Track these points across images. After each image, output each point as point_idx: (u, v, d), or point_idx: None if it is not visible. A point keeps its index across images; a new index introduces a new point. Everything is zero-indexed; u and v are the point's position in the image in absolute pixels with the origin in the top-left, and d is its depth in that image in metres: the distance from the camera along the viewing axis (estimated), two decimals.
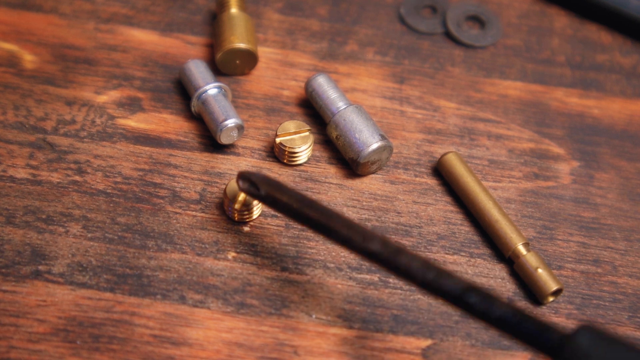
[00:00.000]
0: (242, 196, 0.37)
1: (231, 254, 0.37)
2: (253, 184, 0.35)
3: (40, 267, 0.36)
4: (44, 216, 0.38)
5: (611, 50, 0.49)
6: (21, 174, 0.39)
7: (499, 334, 0.28)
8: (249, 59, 0.44)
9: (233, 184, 0.38)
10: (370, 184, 0.41)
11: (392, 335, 0.36)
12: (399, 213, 0.40)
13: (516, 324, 0.27)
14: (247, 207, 0.37)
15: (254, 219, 0.38)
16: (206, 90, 0.41)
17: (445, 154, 0.41)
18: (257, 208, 0.38)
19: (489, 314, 0.28)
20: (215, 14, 0.48)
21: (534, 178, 0.42)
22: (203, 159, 0.41)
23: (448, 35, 0.49)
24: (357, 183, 0.41)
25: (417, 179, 0.41)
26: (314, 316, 0.36)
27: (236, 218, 0.38)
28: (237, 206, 0.37)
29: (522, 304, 0.37)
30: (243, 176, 0.35)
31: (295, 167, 0.41)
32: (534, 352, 0.27)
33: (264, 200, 0.35)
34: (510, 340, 0.28)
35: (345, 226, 0.31)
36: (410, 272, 0.30)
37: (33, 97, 0.42)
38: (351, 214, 0.39)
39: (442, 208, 0.40)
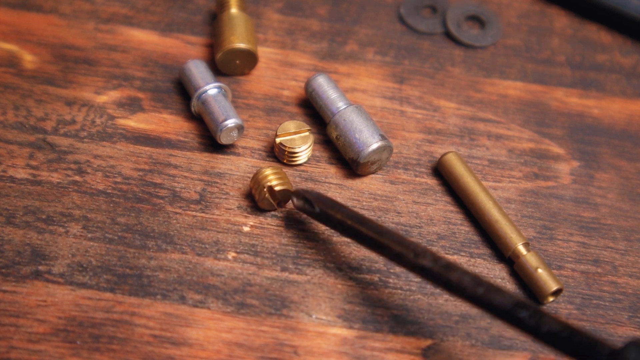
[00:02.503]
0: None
1: (231, 254, 0.37)
2: (308, 201, 0.36)
3: (40, 267, 0.36)
4: (44, 216, 0.38)
5: (611, 50, 0.49)
6: (21, 174, 0.39)
7: (551, 349, 0.28)
8: (249, 59, 0.44)
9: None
10: (370, 184, 0.41)
11: (392, 335, 0.36)
12: (399, 213, 0.40)
13: (566, 338, 0.28)
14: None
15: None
16: (206, 91, 0.41)
17: (445, 154, 0.41)
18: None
19: (539, 329, 0.28)
20: (215, 14, 0.48)
21: (534, 178, 0.42)
22: (203, 159, 0.41)
23: (448, 35, 0.49)
24: (357, 183, 0.41)
25: (417, 179, 0.41)
26: (314, 316, 0.36)
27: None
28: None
29: None
30: (298, 194, 0.37)
31: (295, 167, 0.41)
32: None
33: (318, 217, 0.36)
34: (559, 352, 0.28)
35: (396, 242, 0.33)
36: (462, 288, 0.30)
37: (33, 97, 0.42)
38: None
39: (442, 208, 0.40)
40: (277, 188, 0.37)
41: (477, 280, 0.30)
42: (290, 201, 0.38)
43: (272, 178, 0.38)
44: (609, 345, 0.27)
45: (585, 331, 0.28)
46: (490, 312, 0.30)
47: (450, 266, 0.31)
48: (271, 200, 0.38)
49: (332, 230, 0.38)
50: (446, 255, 0.38)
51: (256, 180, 0.38)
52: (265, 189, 0.37)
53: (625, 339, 0.36)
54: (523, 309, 0.29)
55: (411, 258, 0.32)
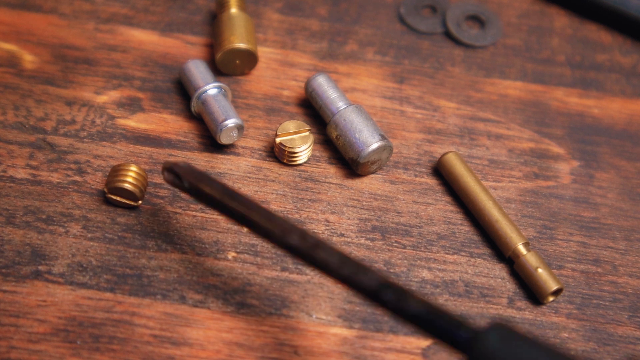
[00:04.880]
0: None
1: (231, 254, 0.37)
2: (177, 175, 0.35)
3: (40, 267, 0.36)
4: (44, 216, 0.38)
5: (611, 50, 0.49)
6: (21, 174, 0.39)
7: (416, 329, 0.28)
8: (249, 59, 0.44)
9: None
10: (370, 183, 0.41)
11: (392, 335, 0.36)
12: (399, 213, 0.40)
13: (429, 320, 0.27)
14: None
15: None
16: (206, 90, 0.41)
17: (445, 153, 0.41)
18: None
19: (403, 311, 0.28)
20: (215, 14, 0.48)
21: (534, 178, 0.42)
22: (203, 159, 0.41)
23: (448, 35, 0.49)
24: (357, 183, 0.41)
25: (417, 178, 0.41)
26: (314, 316, 0.36)
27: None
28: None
29: (522, 303, 0.37)
30: (166, 167, 0.36)
31: (295, 167, 0.41)
32: (449, 348, 0.27)
33: (187, 191, 0.35)
34: (424, 333, 0.28)
35: (265, 219, 0.32)
36: (328, 267, 0.30)
37: (33, 97, 0.42)
38: (351, 213, 0.39)
39: (442, 208, 0.40)
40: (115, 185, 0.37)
41: (344, 260, 0.30)
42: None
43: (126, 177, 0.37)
44: (472, 327, 0.27)
45: (448, 312, 0.28)
46: (357, 292, 0.29)
47: (318, 244, 0.30)
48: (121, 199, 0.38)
49: (331, 231, 0.38)
50: (446, 255, 0.38)
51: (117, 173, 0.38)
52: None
53: (623, 338, 0.36)
54: (388, 291, 0.28)
55: (279, 235, 0.31)
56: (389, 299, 0.28)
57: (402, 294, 0.28)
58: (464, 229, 0.39)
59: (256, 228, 0.32)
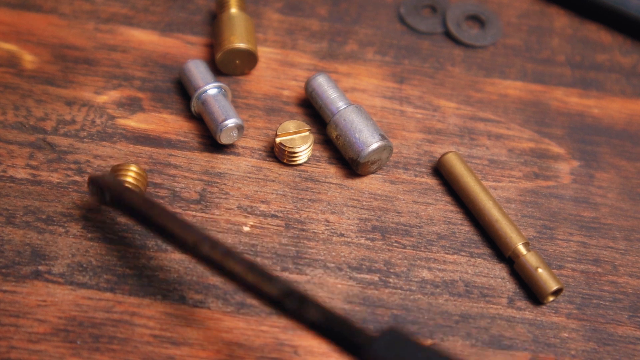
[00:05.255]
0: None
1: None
2: (100, 188, 0.36)
3: (40, 267, 0.36)
4: (44, 216, 0.38)
5: (611, 50, 0.49)
6: (21, 174, 0.39)
7: (317, 336, 0.29)
8: (249, 59, 0.44)
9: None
10: (370, 183, 0.41)
11: None
12: (399, 213, 0.40)
13: (328, 328, 0.29)
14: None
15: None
16: (206, 90, 0.41)
17: (445, 153, 0.41)
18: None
19: (303, 319, 0.29)
20: (215, 14, 0.48)
21: (534, 178, 0.42)
22: (203, 159, 0.41)
23: (448, 35, 0.49)
24: (357, 183, 0.41)
25: (417, 178, 0.41)
26: None
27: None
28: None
29: (522, 303, 0.37)
30: (91, 181, 0.36)
31: (295, 167, 0.41)
32: (346, 355, 0.29)
33: (109, 204, 0.36)
34: (324, 340, 0.29)
35: (180, 228, 0.32)
36: (234, 275, 0.31)
37: (33, 97, 0.42)
38: (351, 213, 0.39)
39: (442, 208, 0.40)
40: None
41: (251, 267, 0.30)
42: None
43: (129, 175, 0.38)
44: (366, 333, 0.28)
45: (345, 320, 0.29)
46: (263, 300, 0.30)
47: (227, 254, 0.31)
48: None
49: (331, 231, 0.39)
50: (446, 255, 0.38)
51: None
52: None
53: (623, 338, 0.36)
54: (290, 299, 0.29)
55: (191, 245, 0.32)
56: (290, 307, 0.29)
57: (302, 302, 0.29)
58: (464, 229, 0.39)
59: (171, 238, 0.33)
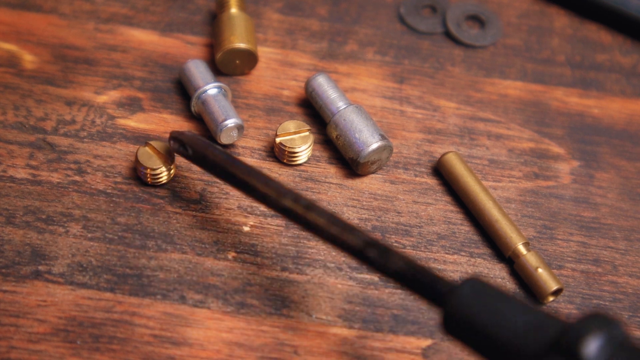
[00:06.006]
0: (154, 160, 0.39)
1: (231, 254, 0.37)
2: (182, 143, 0.37)
3: (40, 267, 0.36)
4: (44, 216, 0.38)
5: (611, 50, 0.49)
6: (21, 174, 0.39)
7: (399, 286, 0.30)
8: (249, 59, 0.44)
9: (142, 150, 0.39)
10: (370, 183, 0.41)
11: (392, 335, 0.36)
12: (399, 213, 0.40)
13: (410, 276, 0.29)
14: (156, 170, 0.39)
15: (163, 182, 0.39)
16: (206, 90, 0.41)
17: (445, 153, 0.41)
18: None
19: (386, 268, 0.30)
20: (215, 14, 0.48)
21: (534, 178, 0.42)
22: None
23: (448, 35, 0.49)
24: (357, 183, 0.41)
25: (417, 178, 0.41)
26: (314, 316, 0.36)
27: (149, 181, 0.39)
28: (148, 170, 0.38)
29: None
30: (173, 135, 0.38)
31: (295, 167, 0.41)
32: (430, 303, 0.29)
33: (191, 159, 0.37)
34: (407, 289, 0.30)
35: (262, 183, 0.33)
36: (317, 227, 0.31)
37: (33, 97, 0.42)
38: (351, 213, 0.39)
39: (442, 208, 0.40)
40: (155, 145, 0.39)
41: (333, 219, 0.31)
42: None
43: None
44: (449, 282, 0.28)
45: (428, 269, 0.29)
46: (345, 252, 0.31)
47: (310, 207, 0.32)
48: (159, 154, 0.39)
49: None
50: (446, 255, 0.38)
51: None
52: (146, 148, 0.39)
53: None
54: (372, 248, 0.30)
55: (274, 199, 0.33)
56: (373, 257, 0.30)
57: (385, 252, 0.30)
58: (464, 229, 0.40)
59: (254, 192, 0.34)
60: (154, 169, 0.38)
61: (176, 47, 0.46)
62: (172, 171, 0.39)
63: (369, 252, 0.30)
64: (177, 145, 0.37)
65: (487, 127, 0.44)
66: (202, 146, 0.36)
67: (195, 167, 0.40)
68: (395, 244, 0.38)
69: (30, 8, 0.47)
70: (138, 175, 0.39)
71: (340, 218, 0.31)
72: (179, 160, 0.40)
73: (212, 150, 0.36)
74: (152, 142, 0.39)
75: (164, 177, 0.39)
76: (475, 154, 0.43)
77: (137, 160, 0.38)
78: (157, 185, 0.39)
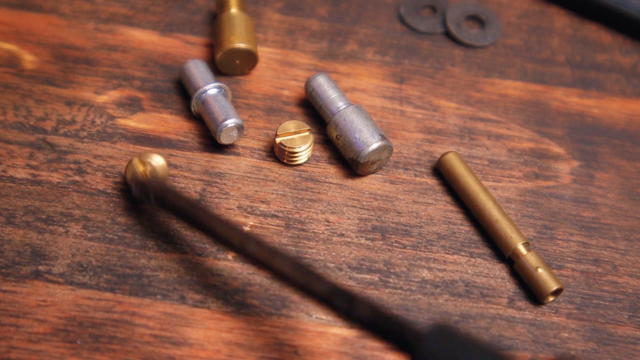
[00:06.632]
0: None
1: (231, 254, 0.37)
2: (144, 189, 0.36)
3: (40, 267, 0.36)
4: (44, 216, 0.38)
5: (611, 50, 0.49)
6: (21, 174, 0.39)
7: (366, 334, 0.30)
8: (249, 59, 0.44)
9: (131, 167, 0.38)
10: (370, 183, 0.41)
11: None
12: (399, 213, 0.40)
13: (377, 325, 0.29)
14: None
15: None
16: (206, 90, 0.41)
17: (445, 153, 0.41)
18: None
19: (353, 316, 0.29)
20: (215, 14, 0.48)
21: (534, 178, 0.42)
22: (203, 159, 0.41)
23: (448, 35, 0.49)
24: (357, 183, 0.41)
25: (417, 178, 0.41)
26: (314, 316, 0.36)
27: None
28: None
29: (522, 303, 0.37)
30: (135, 182, 0.37)
31: (295, 167, 0.41)
32: (395, 350, 0.29)
33: (154, 205, 0.36)
34: (373, 337, 0.30)
35: (225, 228, 0.33)
36: (283, 275, 0.31)
37: (33, 97, 0.42)
38: (351, 213, 0.39)
39: (442, 208, 0.40)
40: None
41: (298, 267, 0.31)
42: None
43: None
44: (416, 329, 0.28)
45: (395, 316, 0.29)
46: (311, 297, 0.30)
47: (274, 253, 0.31)
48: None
49: (331, 231, 0.39)
50: (446, 255, 0.38)
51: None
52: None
53: (623, 338, 0.36)
54: (339, 296, 0.30)
55: (237, 244, 0.32)
56: (340, 305, 0.30)
57: (351, 300, 0.29)
58: (464, 229, 0.39)
59: (216, 237, 0.33)
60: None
61: (176, 47, 0.46)
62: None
63: (335, 299, 0.30)
64: (138, 190, 0.37)
65: (487, 127, 0.44)
66: (163, 191, 0.35)
67: (195, 167, 0.40)
68: (395, 244, 0.38)
69: (30, 8, 0.47)
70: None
71: (306, 265, 0.31)
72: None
73: (173, 195, 0.35)
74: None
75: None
76: (475, 154, 0.43)
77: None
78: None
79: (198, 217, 0.34)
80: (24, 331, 0.34)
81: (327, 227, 0.39)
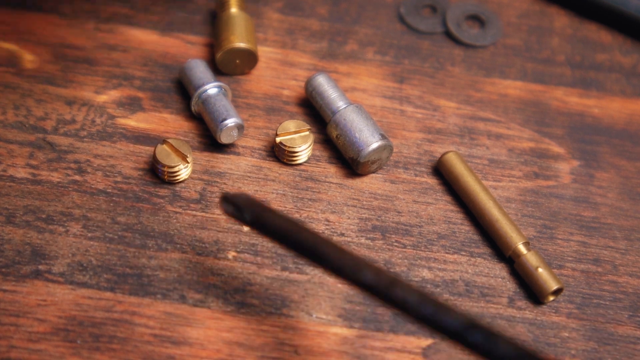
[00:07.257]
0: (171, 158, 0.38)
1: (231, 254, 0.37)
2: (237, 206, 0.33)
3: (40, 267, 0.36)
4: (44, 216, 0.38)
5: (611, 50, 0.49)
6: (21, 173, 0.39)
7: None
8: (249, 59, 0.44)
9: (160, 147, 0.39)
10: (370, 183, 0.41)
11: (392, 334, 0.36)
12: (399, 212, 0.40)
13: None
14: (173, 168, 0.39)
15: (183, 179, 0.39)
16: (206, 90, 0.41)
17: (446, 153, 0.41)
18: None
19: (492, 355, 0.26)
20: (215, 14, 0.48)
21: (534, 177, 0.42)
22: (203, 159, 0.41)
23: (448, 34, 0.49)
24: (357, 182, 0.41)
25: (417, 178, 0.41)
26: (314, 315, 0.36)
27: (166, 178, 0.39)
28: (166, 168, 0.38)
29: (523, 303, 0.37)
30: (226, 199, 0.34)
31: (295, 167, 0.41)
32: None
33: (249, 224, 0.33)
34: None
35: (336, 253, 0.30)
36: (406, 306, 0.28)
37: (33, 97, 0.42)
38: (351, 213, 0.39)
39: (442, 207, 0.40)
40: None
41: (424, 298, 0.28)
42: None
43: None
44: None
45: (542, 355, 0.26)
46: (438, 332, 0.27)
47: (394, 282, 0.28)
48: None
49: (331, 230, 0.38)
50: (446, 255, 0.38)
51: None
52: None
53: (623, 337, 0.36)
54: (476, 332, 0.26)
55: (350, 272, 0.29)
56: (476, 342, 0.26)
57: (491, 336, 0.26)
58: (464, 229, 0.39)
59: (326, 262, 0.30)
60: (172, 167, 0.38)
61: (176, 47, 0.46)
62: (189, 169, 0.39)
63: (471, 335, 0.26)
64: (230, 209, 0.33)
65: (487, 127, 0.44)
66: (260, 209, 0.32)
67: (195, 167, 0.40)
68: (395, 244, 0.38)
69: (30, 8, 0.47)
70: (155, 173, 0.39)
71: (432, 295, 0.28)
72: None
73: (272, 215, 0.32)
74: (169, 140, 0.39)
75: (182, 174, 0.39)
76: (475, 153, 0.43)
77: (155, 158, 0.38)
78: (173, 183, 0.39)
79: (304, 240, 0.31)
80: (24, 330, 0.34)
81: (327, 227, 0.39)
